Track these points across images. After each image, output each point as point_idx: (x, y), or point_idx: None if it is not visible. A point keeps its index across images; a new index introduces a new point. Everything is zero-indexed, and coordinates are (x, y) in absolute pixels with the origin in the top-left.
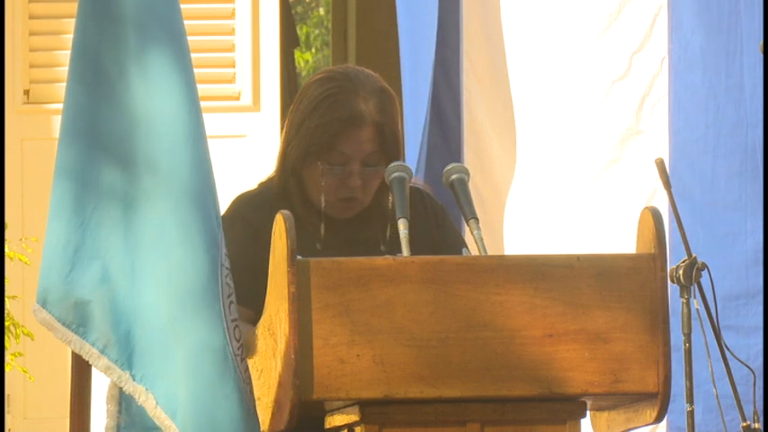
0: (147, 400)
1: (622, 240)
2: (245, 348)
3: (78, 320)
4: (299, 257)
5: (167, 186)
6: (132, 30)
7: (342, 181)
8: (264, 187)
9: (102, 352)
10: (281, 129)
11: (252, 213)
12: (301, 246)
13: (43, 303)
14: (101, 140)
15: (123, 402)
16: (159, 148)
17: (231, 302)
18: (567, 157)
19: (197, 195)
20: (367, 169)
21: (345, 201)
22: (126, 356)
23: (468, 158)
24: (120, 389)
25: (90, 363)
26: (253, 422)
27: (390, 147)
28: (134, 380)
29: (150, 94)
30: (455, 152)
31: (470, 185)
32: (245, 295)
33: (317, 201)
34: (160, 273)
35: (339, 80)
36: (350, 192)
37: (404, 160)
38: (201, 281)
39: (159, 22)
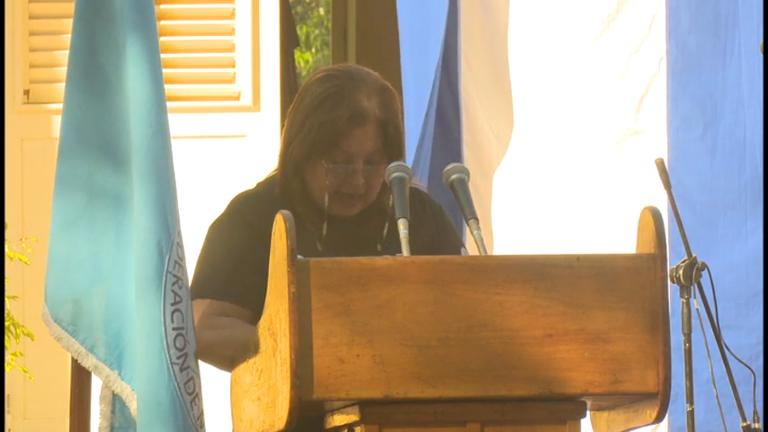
0: (132, 401)
1: (622, 240)
2: (191, 357)
3: (69, 318)
4: (299, 258)
5: (137, 184)
6: (119, 22)
7: (345, 179)
8: (263, 187)
9: (91, 351)
10: (282, 129)
11: (251, 213)
12: (302, 246)
13: (45, 300)
14: (95, 140)
15: (117, 403)
16: (133, 144)
17: (176, 311)
18: (566, 158)
19: (153, 197)
20: (370, 167)
21: (349, 198)
22: (115, 356)
23: (468, 158)
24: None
25: (78, 360)
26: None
27: (393, 144)
28: (122, 379)
29: (130, 87)
30: (456, 152)
31: (470, 185)
32: (244, 295)
33: (319, 199)
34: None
35: (340, 78)
36: (353, 189)
37: (405, 157)
38: (143, 288)
39: (137, 13)
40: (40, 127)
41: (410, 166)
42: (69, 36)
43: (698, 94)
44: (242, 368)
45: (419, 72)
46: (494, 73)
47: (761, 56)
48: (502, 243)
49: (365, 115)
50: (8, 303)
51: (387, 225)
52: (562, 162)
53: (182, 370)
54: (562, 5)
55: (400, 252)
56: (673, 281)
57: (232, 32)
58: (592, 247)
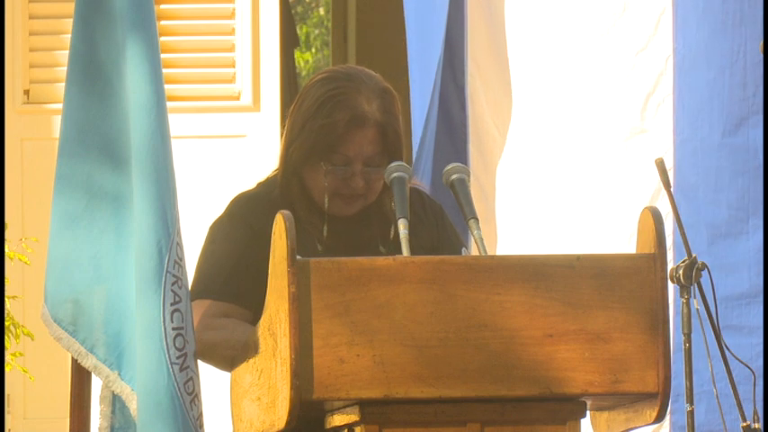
0: (131, 401)
1: (629, 239)
2: (191, 357)
3: (69, 319)
4: (299, 258)
5: (137, 184)
6: (119, 22)
7: (344, 181)
8: (264, 187)
9: (91, 351)
10: (282, 129)
11: (251, 214)
12: (302, 247)
13: (45, 301)
14: (95, 140)
15: (117, 403)
16: (133, 144)
17: (175, 311)
18: (571, 156)
19: (153, 197)
20: (369, 170)
21: (348, 198)
22: (115, 356)
23: (473, 156)
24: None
25: (78, 360)
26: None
27: (393, 148)
28: (122, 380)
29: (130, 87)
30: (461, 151)
31: (474, 183)
32: (244, 296)
33: (319, 201)
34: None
35: (341, 80)
36: (352, 191)
37: (405, 160)
38: (143, 288)
39: (137, 12)
40: (40, 127)
41: (413, 163)
42: (69, 36)
43: (704, 93)
44: (242, 368)
45: (425, 70)
46: (500, 71)
47: (761, 56)
48: (506, 241)
49: (365, 119)
50: (8, 303)
51: (393, 228)
52: (568, 160)
53: (181, 370)
54: (569, 3)
55: (401, 253)
56: (673, 281)
57: (232, 32)
58: (598, 246)
